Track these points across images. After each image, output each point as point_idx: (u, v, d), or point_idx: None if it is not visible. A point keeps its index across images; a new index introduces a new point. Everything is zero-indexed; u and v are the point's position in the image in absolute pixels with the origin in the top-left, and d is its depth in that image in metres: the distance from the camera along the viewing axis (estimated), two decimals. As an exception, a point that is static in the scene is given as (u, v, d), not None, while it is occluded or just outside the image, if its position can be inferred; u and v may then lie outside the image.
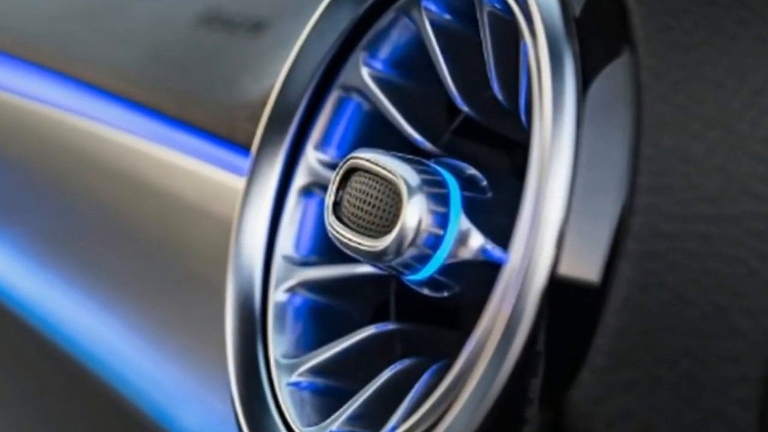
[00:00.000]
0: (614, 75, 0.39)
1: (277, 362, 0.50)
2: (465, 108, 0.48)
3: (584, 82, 0.39)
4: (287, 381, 0.50)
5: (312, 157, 0.53)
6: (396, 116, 0.50)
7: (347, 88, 0.53)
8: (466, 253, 0.44)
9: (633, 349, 0.36)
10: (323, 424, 0.47)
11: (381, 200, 0.44)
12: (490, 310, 0.38)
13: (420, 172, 0.44)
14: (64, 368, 0.78)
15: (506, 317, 0.37)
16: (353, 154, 0.46)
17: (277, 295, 0.52)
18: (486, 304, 0.39)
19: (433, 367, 0.46)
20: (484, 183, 0.46)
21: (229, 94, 0.62)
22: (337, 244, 0.46)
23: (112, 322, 0.72)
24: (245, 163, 0.54)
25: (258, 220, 0.53)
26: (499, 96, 0.46)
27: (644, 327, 0.36)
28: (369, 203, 0.44)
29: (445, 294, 0.46)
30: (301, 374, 0.50)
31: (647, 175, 0.37)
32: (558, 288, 0.37)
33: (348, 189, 0.45)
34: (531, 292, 0.37)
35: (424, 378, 0.45)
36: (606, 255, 0.37)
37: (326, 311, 0.52)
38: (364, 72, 0.52)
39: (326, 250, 0.52)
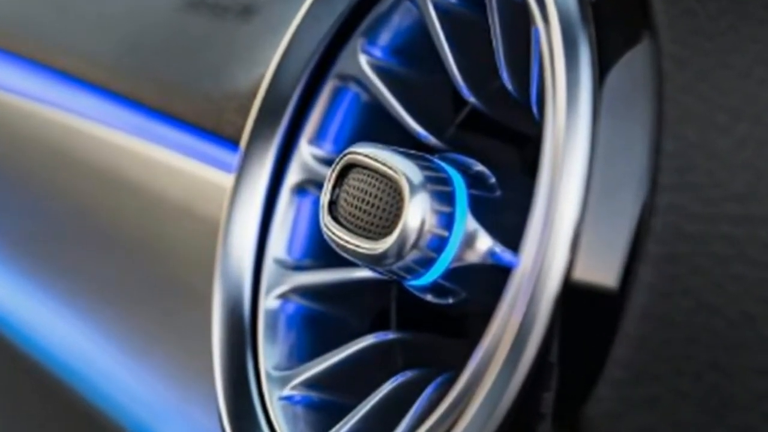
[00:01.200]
0: (633, 63, 0.39)
1: (268, 375, 0.50)
2: (472, 99, 0.49)
3: (601, 71, 0.39)
4: (279, 395, 0.50)
5: (306, 153, 0.53)
6: (397, 108, 0.50)
7: (344, 78, 0.53)
8: (473, 257, 0.44)
9: (654, 361, 0.36)
10: (318, 442, 0.48)
11: (381, 199, 0.44)
12: (498, 317, 0.38)
13: (423, 168, 0.44)
14: (37, 381, 0.78)
15: (516, 326, 0.37)
16: (351, 149, 0.46)
17: (268, 302, 0.52)
18: (494, 312, 0.39)
19: (438, 380, 0.46)
20: (493, 180, 0.46)
21: (216, 84, 0.62)
22: (334, 246, 0.46)
23: (89, 331, 0.72)
24: (233, 158, 0.54)
25: (247, 220, 0.53)
26: (509, 86, 0.46)
27: (666, 337, 0.36)
28: (368, 202, 0.44)
29: (450, 300, 0.46)
30: (294, 387, 0.50)
31: (669, 172, 0.37)
32: (572, 294, 0.37)
33: (345, 187, 0.46)
34: (543, 298, 0.37)
35: (428, 391, 0.45)
36: (624, 258, 0.37)
37: (321, 319, 0.52)
38: (363, 60, 0.52)
39: (321, 253, 0.52)
